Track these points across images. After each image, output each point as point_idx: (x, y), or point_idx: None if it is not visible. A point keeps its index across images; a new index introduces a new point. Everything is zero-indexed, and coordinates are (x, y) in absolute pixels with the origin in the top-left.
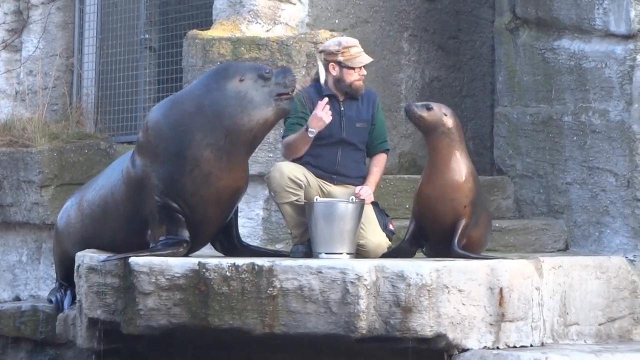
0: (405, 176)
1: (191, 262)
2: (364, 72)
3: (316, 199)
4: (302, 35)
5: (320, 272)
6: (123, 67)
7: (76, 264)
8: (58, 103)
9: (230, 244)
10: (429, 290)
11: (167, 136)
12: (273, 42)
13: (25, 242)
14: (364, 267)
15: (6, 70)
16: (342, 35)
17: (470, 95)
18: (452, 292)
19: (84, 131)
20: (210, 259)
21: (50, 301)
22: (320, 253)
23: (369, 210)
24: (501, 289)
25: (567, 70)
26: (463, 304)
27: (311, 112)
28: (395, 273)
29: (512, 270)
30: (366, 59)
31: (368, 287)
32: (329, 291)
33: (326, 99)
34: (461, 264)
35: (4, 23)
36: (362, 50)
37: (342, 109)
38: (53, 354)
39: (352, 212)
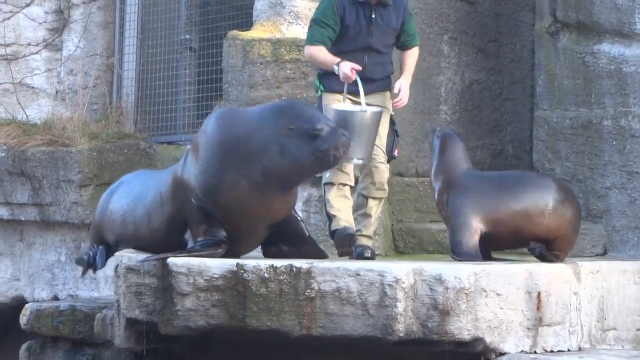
0: None
1: (229, 263)
2: None
3: (333, 106)
4: None
5: (359, 275)
6: (163, 67)
7: (115, 264)
8: (98, 102)
9: (298, 241)
10: (466, 294)
11: (213, 149)
12: None
13: (64, 241)
14: (402, 270)
15: (47, 69)
16: None
17: (510, 98)
18: (490, 295)
19: (123, 131)
20: (249, 260)
21: (82, 260)
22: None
23: (382, 128)
24: (539, 293)
25: (607, 74)
26: (501, 308)
27: (340, 20)
28: (434, 276)
29: (550, 275)
30: None
31: (406, 290)
32: (367, 293)
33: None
34: (499, 267)
35: (45, 22)
36: None
37: (373, 15)
38: (91, 353)
39: (368, 120)
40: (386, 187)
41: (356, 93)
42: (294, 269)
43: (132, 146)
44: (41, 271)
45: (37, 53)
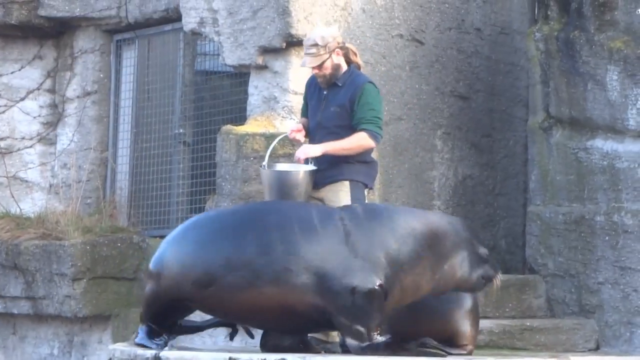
0: None
1: (221, 356)
2: (313, 71)
3: (263, 166)
4: None
5: None
6: (157, 162)
7: (107, 357)
8: (92, 196)
9: None
10: None
11: None
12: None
13: (57, 334)
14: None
15: (40, 163)
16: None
17: (503, 193)
18: None
19: (116, 225)
20: (241, 353)
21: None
22: None
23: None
24: None
25: (600, 170)
26: None
27: (306, 98)
28: None
29: None
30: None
31: None
32: None
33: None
34: None
35: (39, 116)
36: (306, 53)
37: (325, 92)
38: None
39: (301, 179)
40: None
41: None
42: None
43: (126, 240)
44: None
45: (31, 147)
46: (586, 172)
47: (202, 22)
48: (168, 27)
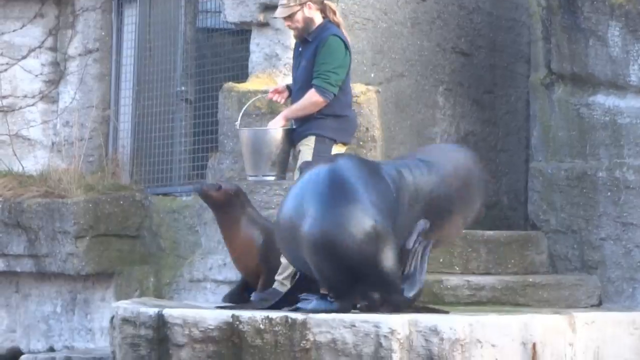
0: None
1: (225, 314)
2: (285, 22)
3: (236, 125)
4: None
5: (354, 326)
6: (159, 119)
7: (110, 315)
8: (94, 154)
9: None
10: (462, 345)
11: None
12: None
13: (60, 292)
14: (398, 321)
15: (43, 121)
16: (378, 89)
17: (505, 149)
18: (485, 346)
19: (119, 183)
20: (244, 311)
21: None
22: (251, 176)
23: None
24: (534, 344)
25: (602, 125)
26: (496, 359)
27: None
28: (429, 327)
29: (545, 326)
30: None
31: (401, 341)
32: (362, 345)
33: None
34: (494, 318)
35: (41, 74)
36: (279, 4)
37: (300, 49)
38: None
39: (278, 138)
40: None
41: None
42: (289, 320)
43: (128, 198)
44: (37, 322)
45: (33, 105)
46: (588, 128)
47: None
48: None
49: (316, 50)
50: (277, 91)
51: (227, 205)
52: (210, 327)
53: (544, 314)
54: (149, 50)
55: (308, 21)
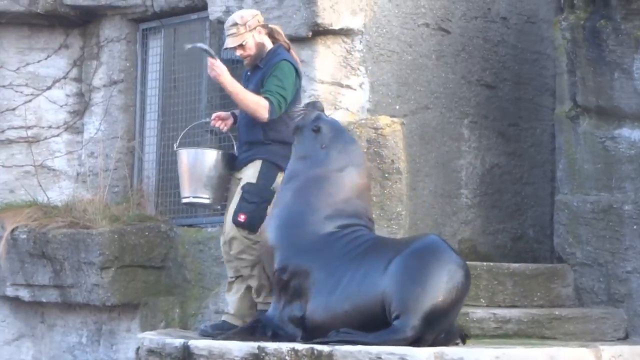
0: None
1: (250, 345)
2: (237, 51)
3: (174, 145)
4: (363, 121)
5: (380, 358)
6: None
7: (136, 346)
8: (119, 185)
9: None
10: None
11: None
12: None
13: (86, 323)
14: (424, 354)
15: (67, 151)
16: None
17: (531, 182)
18: None
19: (144, 213)
20: (270, 343)
21: None
22: (184, 197)
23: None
24: None
25: (627, 159)
26: None
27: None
28: None
29: (572, 359)
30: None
31: None
32: None
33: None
34: (520, 351)
35: (65, 105)
36: (228, 34)
37: (249, 74)
38: None
39: (215, 160)
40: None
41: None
42: (316, 352)
43: (153, 229)
44: (62, 353)
45: (58, 135)
46: (613, 161)
47: (227, 11)
48: (194, 16)
49: (263, 76)
50: (219, 117)
51: None
52: (236, 358)
53: (571, 347)
54: (174, 81)
55: (260, 46)
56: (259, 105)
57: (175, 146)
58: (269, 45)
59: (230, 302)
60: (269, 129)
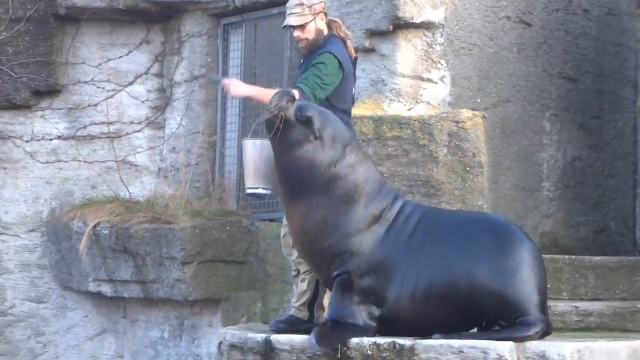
0: (547, 256)
1: None
2: (295, 32)
3: (244, 139)
4: (444, 114)
5: (462, 352)
6: None
7: (218, 341)
8: (200, 180)
9: None
10: None
11: None
12: (415, 120)
13: (168, 318)
14: (506, 347)
15: (149, 147)
16: (484, 114)
17: (613, 175)
18: None
19: (225, 208)
20: (352, 338)
21: None
22: (249, 188)
23: None
24: None
25: None
26: None
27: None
28: (537, 353)
29: None
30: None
31: None
32: None
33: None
34: (603, 344)
35: (147, 100)
36: (290, 13)
37: (302, 62)
38: None
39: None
40: None
41: None
42: (397, 346)
43: (235, 223)
44: (144, 348)
45: (139, 131)
46: None
47: None
48: (275, 10)
49: (308, 66)
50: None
51: None
52: (318, 353)
53: None
54: (255, 76)
55: (319, 33)
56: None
57: (244, 139)
58: (325, 33)
59: (296, 294)
60: None
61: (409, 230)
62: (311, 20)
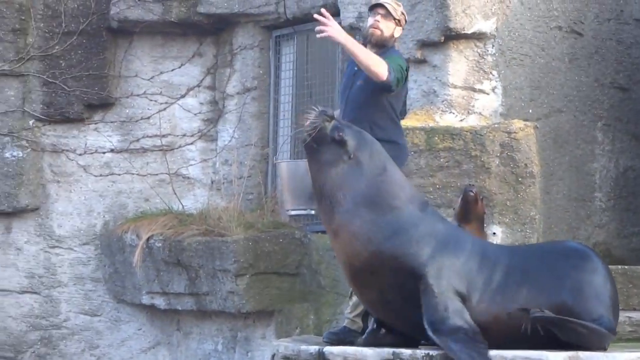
0: None
1: (386, 351)
2: (379, 16)
3: (276, 159)
4: (496, 125)
5: None
6: None
7: (271, 353)
8: (253, 192)
9: None
10: None
11: None
12: (467, 131)
13: (221, 330)
14: (559, 357)
15: (202, 159)
16: (536, 125)
17: None
18: None
19: (278, 220)
20: (404, 349)
21: None
22: (288, 210)
23: None
24: None
25: None
26: None
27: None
28: None
29: None
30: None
31: None
32: None
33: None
34: None
35: (199, 113)
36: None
37: (356, 69)
38: None
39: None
40: None
41: None
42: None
43: (287, 235)
44: None
45: (192, 144)
46: None
47: (360, 17)
48: None
49: None
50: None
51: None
52: None
53: None
54: (307, 88)
55: (389, 37)
56: (381, 64)
57: (275, 159)
58: (391, 44)
59: (351, 305)
60: (377, 127)
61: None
62: (396, 21)
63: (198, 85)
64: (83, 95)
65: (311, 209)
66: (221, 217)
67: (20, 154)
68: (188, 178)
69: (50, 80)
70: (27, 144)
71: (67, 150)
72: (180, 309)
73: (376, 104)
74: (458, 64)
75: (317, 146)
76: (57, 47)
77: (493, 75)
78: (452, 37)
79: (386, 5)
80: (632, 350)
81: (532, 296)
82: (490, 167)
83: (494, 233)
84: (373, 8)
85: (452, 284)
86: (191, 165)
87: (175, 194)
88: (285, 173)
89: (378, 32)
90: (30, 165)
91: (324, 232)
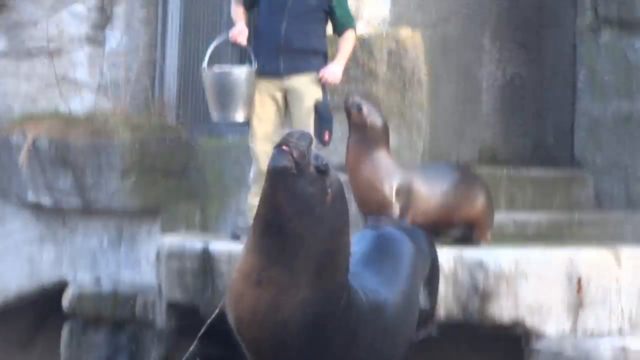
0: (486, 168)
1: None
2: None
3: (203, 68)
4: (384, 33)
5: None
6: None
7: (156, 249)
8: (140, 97)
9: None
10: (507, 279)
11: None
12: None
13: (107, 227)
14: (443, 257)
15: (89, 64)
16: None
17: (551, 90)
18: (530, 281)
19: (165, 123)
20: None
21: None
22: (218, 118)
23: (307, 111)
24: (579, 279)
25: None
26: (541, 292)
27: None
28: (474, 262)
29: (591, 260)
30: None
31: (447, 276)
32: None
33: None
34: (539, 253)
35: (88, 18)
36: None
37: None
38: (132, 334)
39: (243, 80)
40: None
41: (273, 73)
42: None
43: (174, 138)
44: (84, 255)
45: (80, 48)
46: (635, 70)
47: None
48: None
49: None
50: (240, 32)
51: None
52: None
53: (590, 248)
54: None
55: None
56: (353, 40)
57: (202, 66)
58: None
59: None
60: (317, 36)
61: None
62: None
63: None
64: None
65: (238, 118)
66: (108, 120)
67: None
68: (75, 83)
69: None
70: None
71: None
72: (65, 207)
73: (317, 14)
74: None
75: (298, 174)
76: None
77: None
78: None
79: None
80: (516, 249)
81: None
82: (378, 74)
83: None
84: None
85: None
86: (78, 69)
87: (61, 96)
88: (212, 81)
89: None
90: None
91: (211, 134)
